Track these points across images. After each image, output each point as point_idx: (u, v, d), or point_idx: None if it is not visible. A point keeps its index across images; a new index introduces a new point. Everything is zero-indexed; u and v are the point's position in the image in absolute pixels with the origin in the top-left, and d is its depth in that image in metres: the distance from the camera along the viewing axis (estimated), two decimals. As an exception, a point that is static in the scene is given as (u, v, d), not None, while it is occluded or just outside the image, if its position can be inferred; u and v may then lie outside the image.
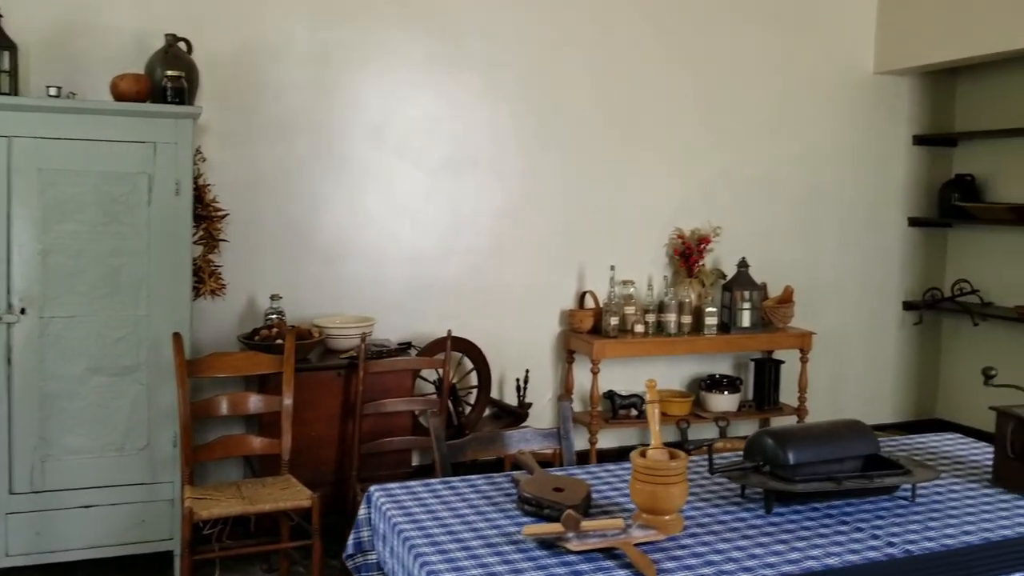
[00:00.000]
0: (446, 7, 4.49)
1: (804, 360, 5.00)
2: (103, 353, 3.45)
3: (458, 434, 4.00)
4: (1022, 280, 5.23)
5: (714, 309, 4.85)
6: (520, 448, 2.54)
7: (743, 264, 4.93)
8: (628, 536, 1.85)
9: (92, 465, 3.46)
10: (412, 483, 2.27)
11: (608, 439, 4.94)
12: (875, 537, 1.95)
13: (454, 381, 4.42)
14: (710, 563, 1.81)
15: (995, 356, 5.24)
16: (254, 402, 3.54)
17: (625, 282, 4.79)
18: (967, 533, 1.99)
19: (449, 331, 4.08)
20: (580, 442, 4.51)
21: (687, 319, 4.80)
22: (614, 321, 4.64)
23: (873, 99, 5.47)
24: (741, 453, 2.26)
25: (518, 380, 4.58)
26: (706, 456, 2.33)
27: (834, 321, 5.43)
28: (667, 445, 2.03)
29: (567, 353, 4.84)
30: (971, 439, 2.77)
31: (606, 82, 4.83)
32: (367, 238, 4.43)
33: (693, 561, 1.82)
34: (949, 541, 1.94)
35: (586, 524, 1.87)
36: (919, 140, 5.60)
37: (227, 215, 4.08)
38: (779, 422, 5.02)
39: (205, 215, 3.99)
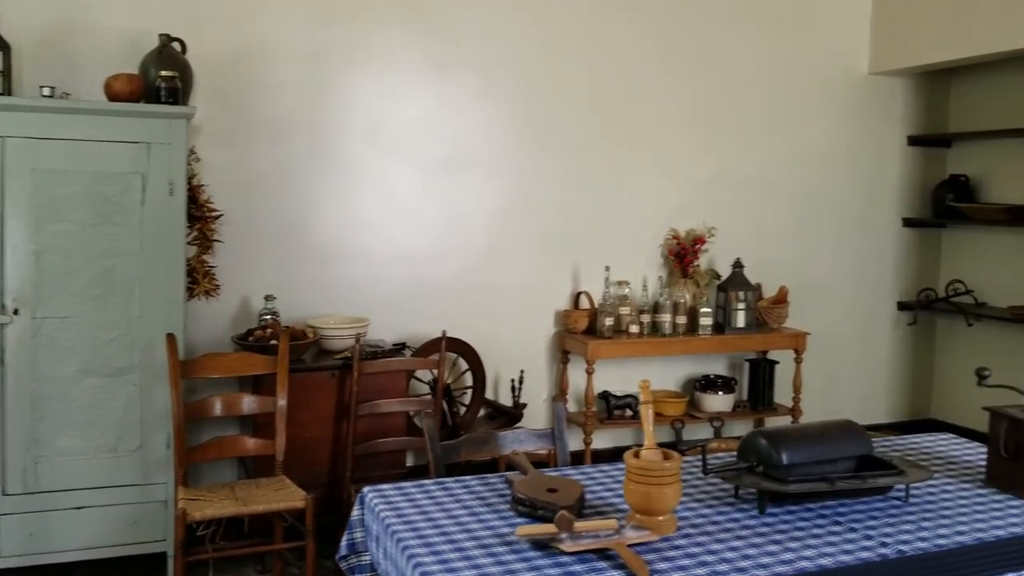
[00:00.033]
0: (444, 8, 4.49)
1: (798, 360, 5.01)
2: (96, 354, 3.44)
3: (453, 435, 4.00)
4: (1016, 280, 5.24)
5: (709, 309, 4.86)
6: (514, 449, 2.54)
7: (738, 264, 4.94)
8: (622, 537, 1.85)
9: (85, 466, 3.45)
10: (405, 484, 2.27)
11: (603, 439, 4.94)
12: (868, 537, 1.96)
13: (449, 382, 4.42)
14: (703, 564, 1.81)
15: (989, 356, 5.24)
16: (248, 403, 3.54)
17: (620, 282, 4.79)
18: (960, 533, 1.99)
19: (444, 332, 4.07)
20: (575, 443, 4.51)
21: (682, 319, 4.80)
22: (609, 321, 4.65)
23: (867, 99, 5.47)
24: (735, 453, 2.26)
25: (513, 381, 4.57)
26: (700, 456, 2.33)
27: (828, 321, 5.43)
28: (661, 445, 2.03)
29: (562, 353, 4.84)
30: (965, 439, 2.78)
31: (602, 83, 4.84)
32: (362, 238, 4.43)
33: (686, 562, 1.82)
34: (942, 541, 1.95)
35: (580, 525, 1.87)
36: (913, 141, 5.61)
37: (221, 215, 4.07)
38: (774, 422, 5.03)
39: (199, 215, 3.99)
